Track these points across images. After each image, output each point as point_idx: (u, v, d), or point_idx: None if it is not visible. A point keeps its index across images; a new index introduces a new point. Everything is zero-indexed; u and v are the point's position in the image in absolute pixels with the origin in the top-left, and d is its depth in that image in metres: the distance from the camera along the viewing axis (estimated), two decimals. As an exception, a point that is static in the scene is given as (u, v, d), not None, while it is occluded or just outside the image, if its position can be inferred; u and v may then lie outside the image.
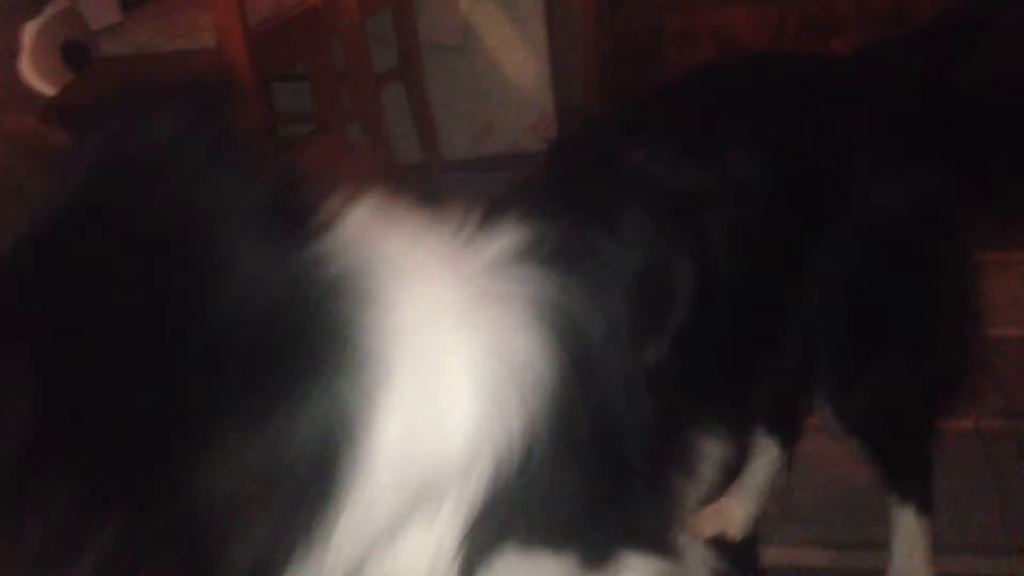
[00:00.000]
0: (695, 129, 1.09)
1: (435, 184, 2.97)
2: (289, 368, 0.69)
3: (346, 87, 2.66)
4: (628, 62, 3.55)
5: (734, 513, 1.54)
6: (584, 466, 0.90)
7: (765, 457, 1.53)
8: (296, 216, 0.74)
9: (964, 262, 1.24)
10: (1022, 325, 1.95)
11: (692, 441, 1.05)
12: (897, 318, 1.20)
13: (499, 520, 0.84)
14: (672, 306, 0.97)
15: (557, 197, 0.99)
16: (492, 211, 0.91)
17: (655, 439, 0.96)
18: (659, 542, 1.01)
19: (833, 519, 1.52)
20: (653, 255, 0.97)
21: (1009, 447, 1.62)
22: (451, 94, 3.13)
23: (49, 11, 1.74)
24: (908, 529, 1.35)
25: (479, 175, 3.00)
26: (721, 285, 1.01)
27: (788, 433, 1.51)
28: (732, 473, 1.51)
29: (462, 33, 3.11)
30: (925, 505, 1.35)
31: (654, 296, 0.96)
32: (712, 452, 1.08)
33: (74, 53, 1.76)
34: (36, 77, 1.72)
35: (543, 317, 0.85)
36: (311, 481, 0.70)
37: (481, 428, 0.79)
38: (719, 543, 1.49)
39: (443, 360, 0.78)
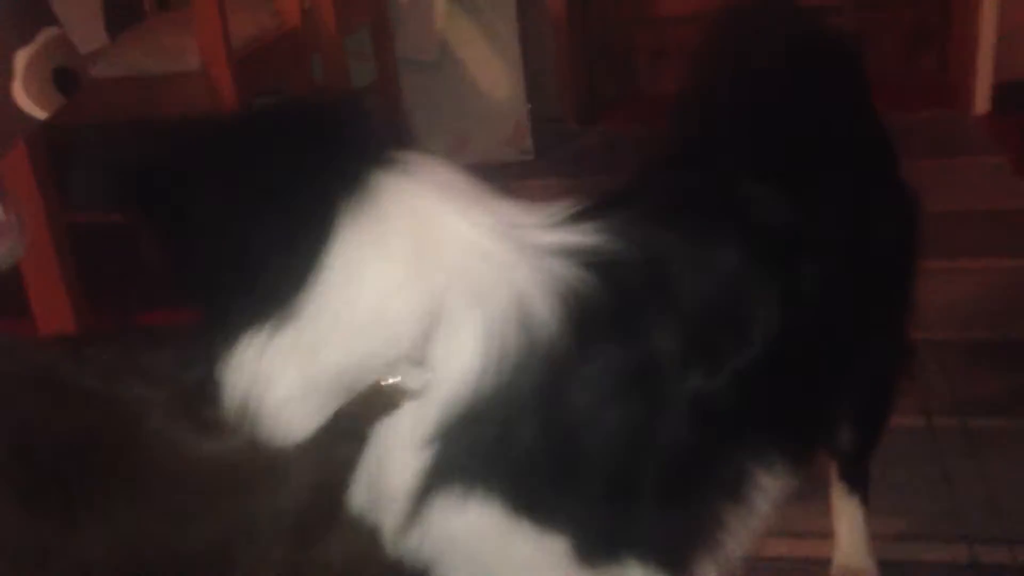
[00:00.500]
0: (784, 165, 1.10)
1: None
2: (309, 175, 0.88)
3: (326, 103, 2.74)
4: (601, 76, 3.65)
5: None
6: (587, 453, 0.92)
7: None
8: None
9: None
10: (965, 329, 2.06)
11: (747, 469, 1.04)
12: (882, 317, 1.26)
13: (478, 456, 0.89)
14: (741, 342, 0.98)
15: (653, 214, 1.01)
16: (580, 213, 0.97)
17: (693, 457, 0.97)
18: (672, 559, 0.99)
19: (791, 511, 1.61)
20: (734, 289, 0.98)
21: (956, 442, 1.72)
22: (428, 108, 3.21)
23: (41, 38, 1.81)
24: (853, 518, 1.44)
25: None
26: (801, 330, 1.02)
27: None
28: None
29: (438, 49, 3.20)
30: (866, 497, 1.45)
31: (721, 327, 0.97)
32: (769, 485, 1.06)
33: (66, 79, 1.83)
34: (29, 102, 1.79)
35: (561, 296, 0.89)
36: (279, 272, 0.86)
37: (459, 328, 0.87)
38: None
39: (439, 249, 0.87)
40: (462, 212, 0.89)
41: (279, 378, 0.86)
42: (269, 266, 0.86)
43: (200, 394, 0.86)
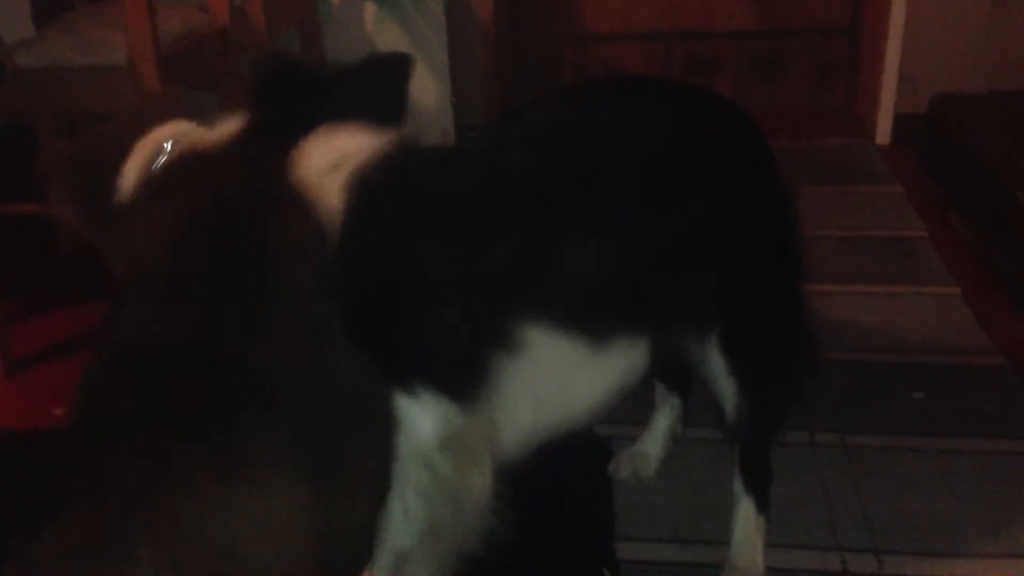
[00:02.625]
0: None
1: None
2: None
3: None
4: (526, 88, 3.73)
5: (647, 455, 1.81)
6: (371, 292, 1.17)
7: (667, 408, 1.81)
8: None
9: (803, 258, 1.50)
10: (850, 351, 2.19)
11: (517, 327, 1.23)
12: (767, 290, 1.47)
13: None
14: (494, 233, 1.23)
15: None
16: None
17: (463, 311, 1.20)
18: (456, 389, 1.19)
19: (681, 518, 1.71)
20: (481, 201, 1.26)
21: (837, 458, 1.84)
22: (355, 111, 3.25)
23: (-34, 28, 1.81)
24: (747, 521, 1.53)
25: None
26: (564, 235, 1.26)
27: (684, 388, 1.79)
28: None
29: (366, 54, 3.23)
30: (762, 503, 1.54)
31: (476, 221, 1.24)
32: (545, 344, 1.25)
33: (-10, 69, 1.83)
34: (-48, 91, 1.79)
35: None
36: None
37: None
38: (583, 538, 1.66)
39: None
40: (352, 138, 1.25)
41: None
42: None
43: None
